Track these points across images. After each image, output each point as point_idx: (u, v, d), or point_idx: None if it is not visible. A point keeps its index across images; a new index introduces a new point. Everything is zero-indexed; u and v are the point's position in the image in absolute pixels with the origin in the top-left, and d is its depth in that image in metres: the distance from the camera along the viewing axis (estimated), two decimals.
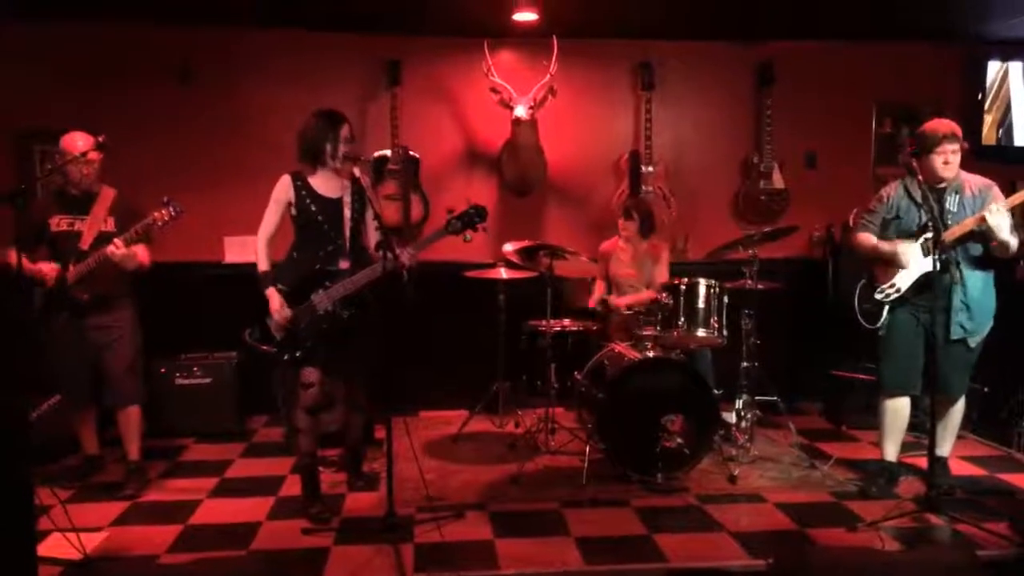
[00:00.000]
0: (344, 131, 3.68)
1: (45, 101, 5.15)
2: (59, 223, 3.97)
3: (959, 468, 4.29)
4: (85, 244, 3.92)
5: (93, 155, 3.93)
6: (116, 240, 3.81)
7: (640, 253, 5.02)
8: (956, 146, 3.69)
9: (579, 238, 5.48)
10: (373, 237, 3.79)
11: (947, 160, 3.70)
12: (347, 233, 3.70)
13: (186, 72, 5.33)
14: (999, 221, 3.55)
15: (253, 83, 5.47)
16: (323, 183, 3.72)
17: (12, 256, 3.64)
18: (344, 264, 3.69)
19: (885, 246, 3.89)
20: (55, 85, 5.19)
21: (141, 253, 3.99)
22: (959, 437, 4.16)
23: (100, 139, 3.93)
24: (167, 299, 4.73)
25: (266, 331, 3.69)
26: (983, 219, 3.58)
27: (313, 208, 3.66)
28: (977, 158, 5.09)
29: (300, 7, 4.99)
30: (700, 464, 4.19)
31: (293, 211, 3.71)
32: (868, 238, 3.97)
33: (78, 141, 3.92)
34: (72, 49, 5.23)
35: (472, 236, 3.68)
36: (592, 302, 5.08)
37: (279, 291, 3.66)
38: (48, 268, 3.89)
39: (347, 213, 3.70)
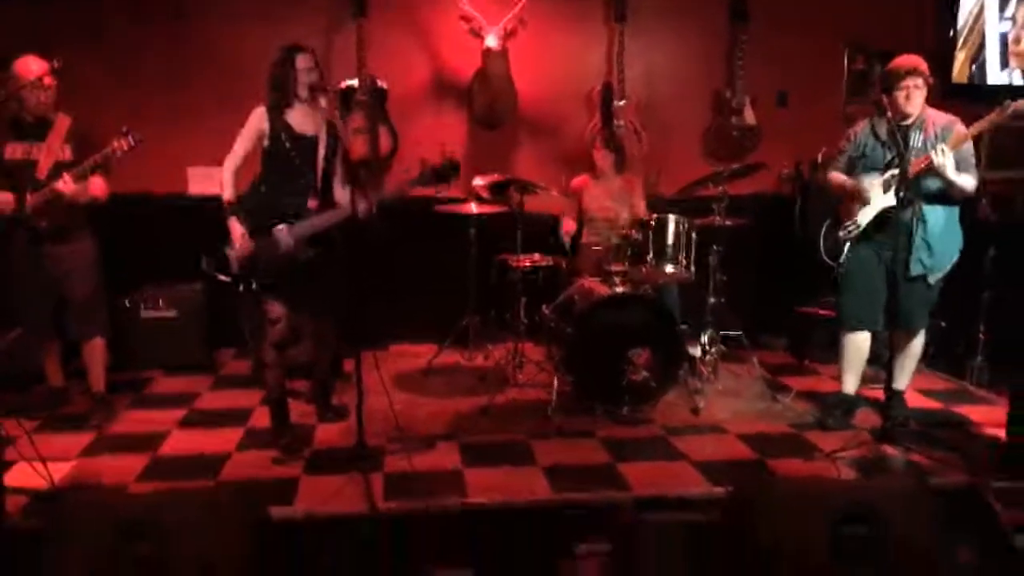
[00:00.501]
0: (302, 61, 3.60)
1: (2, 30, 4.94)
2: (14, 151, 3.85)
3: (915, 401, 4.42)
4: (42, 173, 3.82)
5: (48, 80, 3.80)
6: (65, 175, 3.71)
7: (615, 188, 5.02)
8: (919, 80, 3.70)
9: (550, 172, 5.42)
10: (341, 174, 3.75)
11: (909, 95, 3.71)
12: (318, 172, 3.66)
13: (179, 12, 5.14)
14: (942, 161, 3.58)
15: (218, 14, 5.27)
16: (299, 119, 3.65)
17: None
18: (312, 203, 3.65)
19: (848, 181, 3.92)
20: (6, 9, 4.96)
21: (96, 186, 3.89)
22: (917, 371, 4.27)
23: (55, 64, 3.79)
24: (131, 231, 4.66)
25: (225, 261, 3.64)
26: (929, 160, 3.61)
27: (287, 144, 3.60)
28: (948, 96, 5.12)
29: None
30: (665, 397, 4.27)
31: (266, 143, 3.64)
32: (836, 176, 4.01)
33: (32, 65, 3.79)
34: None
35: (443, 189, 3.67)
36: (566, 234, 5.05)
37: (242, 222, 3.60)
38: (4, 198, 3.78)
39: (321, 151, 3.65)
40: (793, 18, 5.70)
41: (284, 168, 3.63)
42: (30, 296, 3.96)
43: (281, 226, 3.59)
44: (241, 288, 3.62)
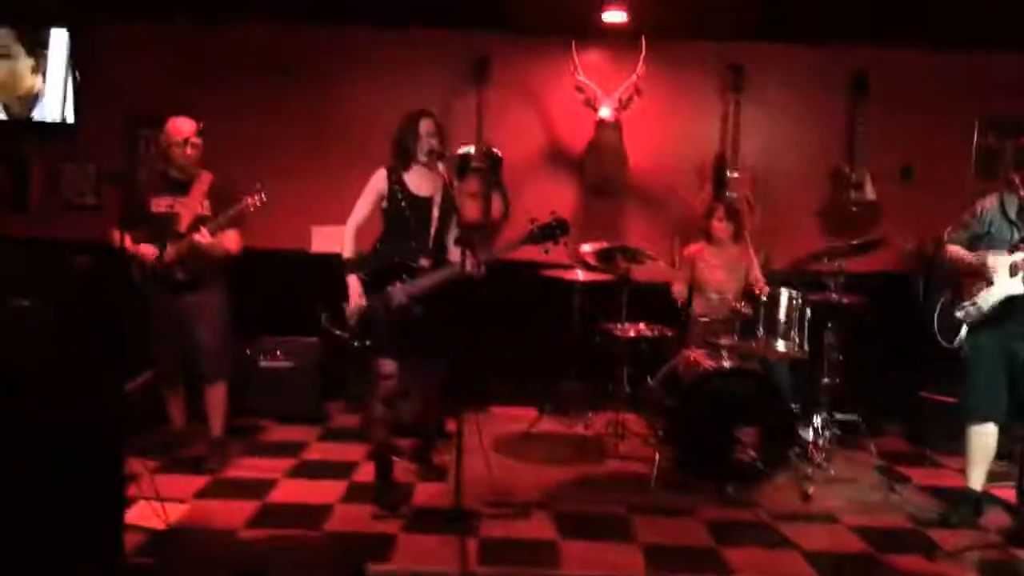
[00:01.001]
0: (424, 126, 3.78)
1: (154, 91, 5.39)
2: (159, 204, 4.15)
3: None
4: (183, 226, 4.09)
5: (195, 139, 4.12)
6: (203, 228, 3.97)
7: (730, 258, 4.95)
8: None
9: (659, 242, 5.42)
10: (454, 235, 3.88)
11: None
12: (432, 231, 3.80)
13: (285, 69, 5.51)
14: None
15: (346, 79, 5.62)
16: (416, 180, 3.82)
17: (116, 235, 3.86)
18: (424, 261, 3.78)
19: (971, 255, 3.74)
20: (164, 77, 5.44)
21: (230, 239, 4.13)
22: None
23: (200, 126, 4.12)
24: (255, 283, 4.90)
25: (343, 317, 3.79)
26: None
27: (403, 203, 3.77)
28: None
29: (394, 5, 5.10)
30: (773, 480, 4.11)
31: (384, 203, 3.81)
32: (956, 249, 3.83)
33: (183, 126, 4.11)
34: (181, 45, 5.49)
35: (551, 248, 3.70)
36: (677, 295, 4.99)
37: (360, 279, 3.77)
38: (148, 250, 4.07)
39: (435, 212, 3.80)
40: (918, 91, 5.55)
41: (400, 227, 3.79)
42: (164, 342, 4.21)
43: (395, 284, 3.72)
44: (356, 344, 3.76)
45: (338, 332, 3.79)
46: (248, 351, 5.15)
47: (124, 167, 5.32)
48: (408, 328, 3.75)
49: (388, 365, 3.78)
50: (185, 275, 4.10)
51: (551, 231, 3.62)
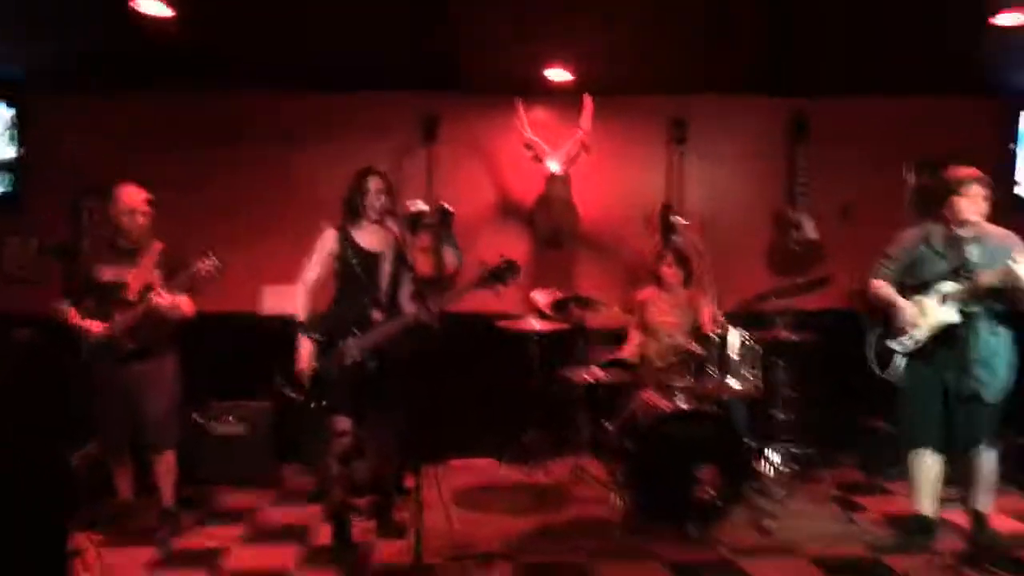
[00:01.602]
0: (373, 183, 3.85)
1: (100, 161, 5.37)
2: (106, 273, 4.11)
3: (1002, 524, 4.14)
4: (131, 294, 4.04)
5: (145, 208, 4.10)
6: (159, 289, 3.93)
7: (681, 301, 5.04)
8: (983, 190, 3.67)
9: (610, 290, 5.50)
10: (407, 290, 3.90)
11: (973, 201, 3.67)
12: (383, 286, 3.81)
13: (234, 134, 5.56)
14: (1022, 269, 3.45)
15: (295, 141, 5.68)
16: (366, 237, 3.87)
17: (62, 307, 3.81)
18: (377, 316, 3.78)
19: (898, 300, 3.81)
20: (111, 147, 5.43)
21: (184, 304, 4.10)
22: (1004, 491, 4.02)
23: (147, 196, 4.12)
24: (205, 347, 4.83)
25: (296, 380, 3.76)
26: (1007, 272, 3.49)
27: (354, 260, 3.81)
28: (1015, 209, 5.05)
29: (339, 71, 5.20)
30: (733, 517, 4.12)
31: (336, 262, 3.84)
32: (882, 285, 3.92)
33: (133, 195, 4.10)
34: (128, 115, 5.52)
35: (503, 290, 3.71)
36: (628, 352, 5.05)
37: (313, 340, 3.76)
38: (95, 326, 4.01)
39: (386, 268, 3.83)
40: (853, 133, 5.78)
41: (352, 284, 3.81)
42: (111, 412, 4.11)
43: (348, 339, 3.71)
44: (312, 405, 3.73)
45: (292, 395, 3.75)
46: (198, 417, 5.05)
47: (67, 240, 5.27)
48: (363, 384, 3.73)
49: (343, 423, 3.77)
50: (135, 344, 4.04)
51: (501, 273, 3.64)
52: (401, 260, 3.88)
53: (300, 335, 3.76)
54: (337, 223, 3.90)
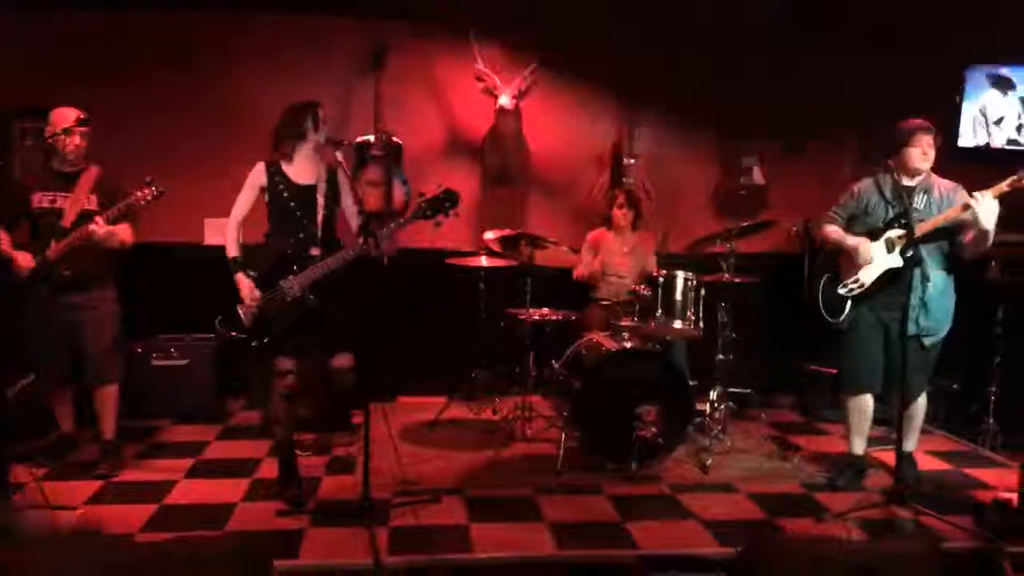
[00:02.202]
0: (322, 114, 3.75)
1: (31, 82, 5.10)
2: (41, 200, 3.94)
3: (927, 463, 4.38)
4: (67, 222, 3.89)
5: (81, 129, 3.91)
6: (97, 218, 3.79)
7: (630, 244, 5.09)
8: (931, 138, 3.77)
9: (560, 228, 5.50)
10: (356, 221, 3.78)
11: (924, 151, 3.77)
12: (319, 220, 3.71)
13: (177, 58, 5.30)
14: (984, 205, 3.54)
15: (241, 68, 5.45)
16: (298, 170, 3.74)
17: None
18: (315, 251, 3.69)
19: (849, 240, 3.93)
20: (40, 67, 5.14)
21: (123, 232, 3.97)
22: (928, 432, 4.25)
23: (83, 115, 3.92)
24: (147, 279, 4.71)
25: (236, 318, 3.68)
26: (968, 207, 3.60)
27: (285, 195, 3.69)
28: (955, 160, 5.18)
29: None
30: (674, 454, 4.25)
31: (266, 197, 3.73)
32: (835, 230, 4.02)
33: (67, 114, 3.91)
34: (61, 35, 5.21)
35: (444, 221, 3.61)
36: (579, 272, 5.09)
37: (250, 276, 3.67)
38: (23, 259, 3.85)
39: (320, 200, 3.72)
40: (801, 80, 5.80)
41: (286, 219, 3.70)
42: (48, 343, 3.99)
43: (287, 277, 3.63)
44: (254, 344, 3.66)
45: (233, 335, 3.67)
46: (140, 350, 4.95)
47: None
48: (304, 320, 3.66)
49: (285, 363, 3.71)
50: (71, 273, 3.89)
51: (439, 203, 3.55)
52: (335, 192, 3.76)
53: (236, 272, 3.67)
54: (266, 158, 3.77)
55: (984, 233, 3.64)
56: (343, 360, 3.82)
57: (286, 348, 3.68)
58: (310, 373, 3.94)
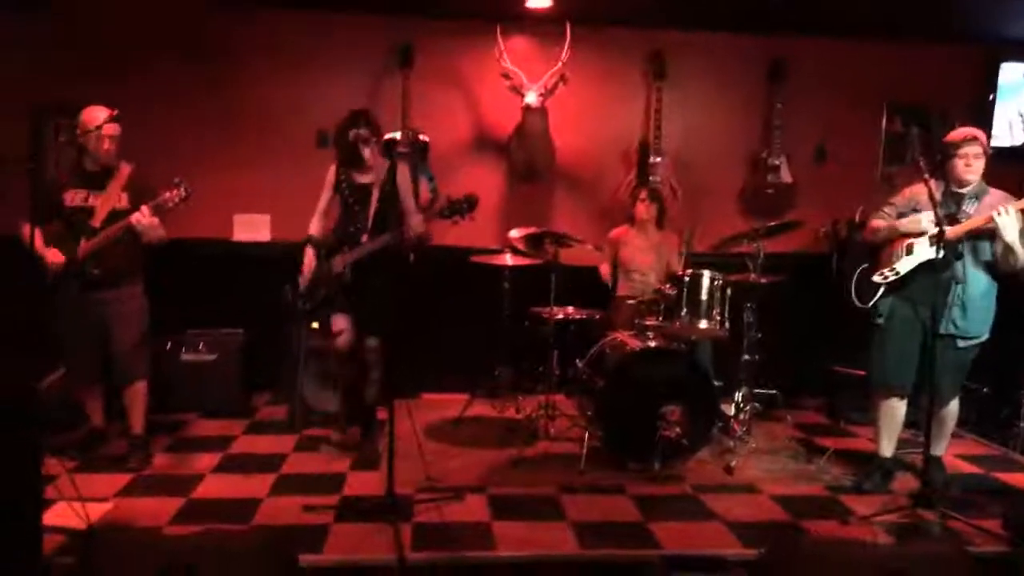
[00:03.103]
0: (360, 134, 4.17)
1: (62, 77, 5.19)
2: (73, 198, 3.99)
3: (956, 466, 4.33)
4: (97, 220, 3.94)
5: (111, 128, 3.95)
6: (144, 207, 3.84)
7: (654, 241, 5.08)
8: (977, 149, 3.73)
9: (586, 226, 5.49)
10: (411, 216, 4.27)
11: (968, 163, 3.74)
12: (371, 213, 4.22)
13: (206, 53, 5.37)
14: (1006, 220, 3.53)
15: (267, 65, 5.50)
16: (360, 170, 4.27)
17: (26, 228, 3.69)
18: (364, 238, 4.20)
19: (903, 221, 3.88)
20: (72, 62, 5.22)
21: (160, 225, 4.01)
22: (958, 436, 4.19)
23: (114, 112, 3.95)
24: (174, 274, 4.77)
25: (296, 286, 4.33)
26: (991, 219, 3.58)
27: (347, 192, 4.28)
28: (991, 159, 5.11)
29: None
30: (698, 455, 4.24)
31: (335, 193, 4.33)
32: (884, 221, 3.97)
33: (98, 114, 3.94)
34: (90, 28, 5.29)
35: (460, 221, 3.99)
36: (606, 276, 5.19)
37: (316, 251, 4.30)
38: (55, 255, 3.91)
39: (375, 194, 4.24)
40: (831, 77, 5.77)
41: (347, 212, 4.31)
42: (78, 339, 4.05)
43: (337, 256, 4.20)
44: (308, 305, 4.30)
45: (296, 299, 4.34)
46: (169, 345, 5.02)
47: (29, 153, 5.10)
48: (345, 292, 4.20)
49: (339, 321, 4.26)
50: (101, 271, 3.95)
51: (458, 205, 3.93)
52: (393, 189, 4.28)
53: (306, 246, 4.31)
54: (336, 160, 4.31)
55: (1007, 247, 3.59)
56: (373, 341, 4.28)
57: (335, 306, 4.25)
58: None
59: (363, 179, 4.28)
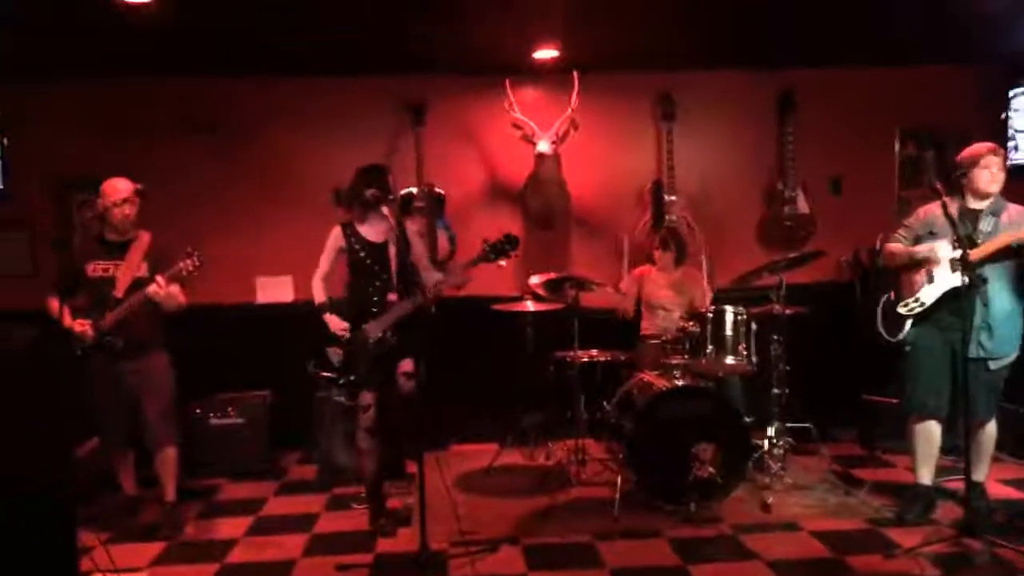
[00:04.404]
0: (373, 190, 3.99)
1: (83, 152, 5.34)
2: (95, 269, 4.06)
3: (998, 491, 4.22)
4: (119, 291, 3.99)
5: (133, 199, 4.04)
6: (158, 277, 3.90)
7: (675, 279, 5.09)
8: (1000, 160, 3.74)
9: (604, 269, 5.51)
10: (428, 273, 4.12)
11: (992, 175, 3.74)
12: (393, 270, 4.05)
13: (212, 124, 5.51)
14: None
15: (281, 129, 5.63)
16: (370, 230, 4.09)
17: (54, 303, 3.76)
18: (392, 297, 4.03)
19: (920, 248, 3.87)
20: (92, 137, 5.38)
21: (179, 294, 4.08)
22: (998, 460, 4.09)
23: (139, 186, 4.06)
24: (201, 340, 4.82)
25: (326, 360, 4.04)
26: (1015, 238, 3.55)
27: (362, 253, 4.07)
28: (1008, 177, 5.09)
29: (328, 54, 5.14)
30: (733, 493, 4.16)
31: (346, 255, 4.09)
32: (897, 247, 3.97)
33: (119, 186, 4.04)
34: (111, 104, 5.45)
35: (505, 264, 3.87)
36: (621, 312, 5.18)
37: (338, 316, 4.04)
38: (80, 327, 3.97)
39: (392, 251, 4.06)
40: (841, 106, 5.80)
41: (364, 272, 4.07)
42: (108, 409, 4.09)
43: (369, 322, 3.96)
44: (342, 381, 4.03)
45: (325, 375, 4.08)
46: (197, 410, 5.05)
47: (59, 234, 5.23)
48: (386, 358, 3.98)
49: (367, 396, 4.01)
50: (125, 342, 3.99)
51: (502, 247, 3.81)
52: (406, 245, 4.07)
53: (324, 314, 4.06)
54: (342, 220, 4.11)
55: None
56: (406, 364, 4.02)
57: (369, 384, 4.00)
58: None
59: (375, 237, 4.10)
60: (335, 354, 4.00)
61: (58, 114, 5.40)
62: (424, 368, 3.76)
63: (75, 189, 5.41)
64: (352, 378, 3.99)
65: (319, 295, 4.11)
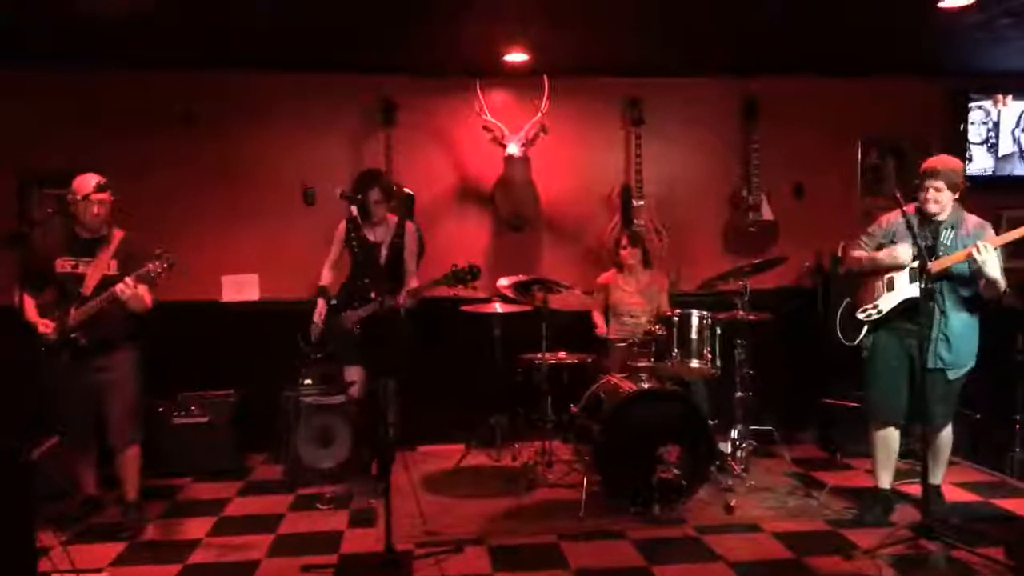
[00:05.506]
0: (372, 195, 4.51)
1: (49, 145, 5.23)
2: (63, 265, 3.99)
3: (954, 495, 4.33)
4: (87, 288, 3.93)
5: (100, 195, 3.95)
6: (127, 278, 3.83)
7: (642, 284, 5.14)
8: (938, 182, 3.77)
9: (573, 272, 5.55)
10: (410, 278, 4.62)
11: (927, 196, 3.80)
12: (378, 269, 4.52)
13: (189, 115, 5.43)
14: (986, 258, 3.58)
15: (252, 125, 5.57)
16: (371, 229, 4.59)
17: (16, 298, 3.68)
18: (374, 294, 4.43)
19: (881, 253, 3.93)
20: (58, 129, 5.27)
21: (146, 295, 4.01)
22: (954, 463, 4.19)
23: (102, 180, 3.96)
24: (165, 338, 4.75)
25: (307, 335, 4.67)
26: (970, 255, 3.63)
27: (357, 249, 4.62)
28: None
29: (298, 51, 5.11)
30: (697, 495, 4.22)
31: (346, 248, 4.66)
32: (863, 252, 4.03)
33: (88, 181, 3.95)
34: (74, 94, 5.34)
35: (462, 289, 4.26)
36: (600, 331, 5.18)
37: (327, 302, 4.64)
38: (45, 325, 3.90)
39: (383, 253, 4.57)
40: (804, 114, 5.90)
41: (357, 266, 4.64)
42: (71, 407, 4.02)
43: (348, 312, 4.52)
44: (319, 356, 4.67)
45: (308, 350, 4.71)
46: (161, 408, 4.98)
47: (16, 231, 5.13)
48: (359, 345, 4.47)
49: (353, 372, 4.63)
50: (91, 340, 3.93)
51: (463, 276, 4.13)
52: (399, 245, 4.60)
53: (318, 297, 4.67)
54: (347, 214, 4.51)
55: (992, 281, 3.65)
56: (392, 384, 4.32)
57: (351, 359, 4.60)
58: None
59: (373, 236, 4.58)
60: (315, 329, 4.59)
61: (19, 103, 5.25)
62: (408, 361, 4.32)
63: (39, 182, 5.28)
64: (321, 355, 4.63)
65: (324, 278, 4.71)
